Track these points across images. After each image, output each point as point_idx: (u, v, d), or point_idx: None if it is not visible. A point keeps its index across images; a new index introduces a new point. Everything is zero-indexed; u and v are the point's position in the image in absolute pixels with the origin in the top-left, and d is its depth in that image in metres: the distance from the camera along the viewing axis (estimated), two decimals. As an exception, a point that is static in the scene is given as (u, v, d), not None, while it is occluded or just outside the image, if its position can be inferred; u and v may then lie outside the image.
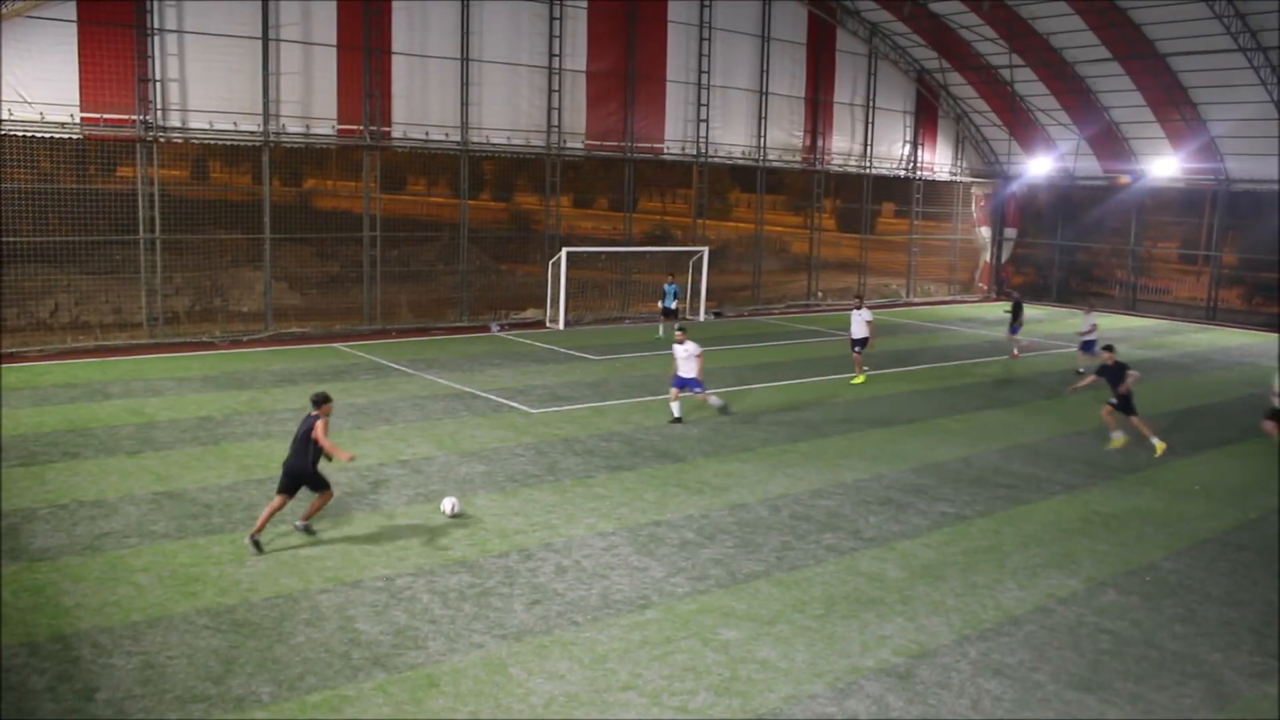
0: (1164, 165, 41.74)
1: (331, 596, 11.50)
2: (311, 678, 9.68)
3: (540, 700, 9.48)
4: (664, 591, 12.07)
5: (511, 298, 34.55)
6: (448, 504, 14.75)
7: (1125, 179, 43.90)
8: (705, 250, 36.01)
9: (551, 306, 33.04)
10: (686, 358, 20.23)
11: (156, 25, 26.06)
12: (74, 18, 24.95)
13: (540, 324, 33.12)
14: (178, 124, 26.89)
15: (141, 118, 26.10)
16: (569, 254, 32.38)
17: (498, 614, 11.25)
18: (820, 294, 42.59)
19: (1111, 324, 40.16)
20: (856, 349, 25.35)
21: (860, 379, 25.39)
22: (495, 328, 32.20)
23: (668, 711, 9.40)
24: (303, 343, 28.15)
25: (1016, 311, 30.27)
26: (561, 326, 32.52)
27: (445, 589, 11.85)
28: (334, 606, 11.24)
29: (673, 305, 31.29)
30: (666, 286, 31.55)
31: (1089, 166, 44.78)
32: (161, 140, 26.65)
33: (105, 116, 25.69)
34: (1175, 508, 16.25)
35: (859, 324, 25.25)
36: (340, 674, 9.78)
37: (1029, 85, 42.31)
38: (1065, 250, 47.12)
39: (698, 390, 20.38)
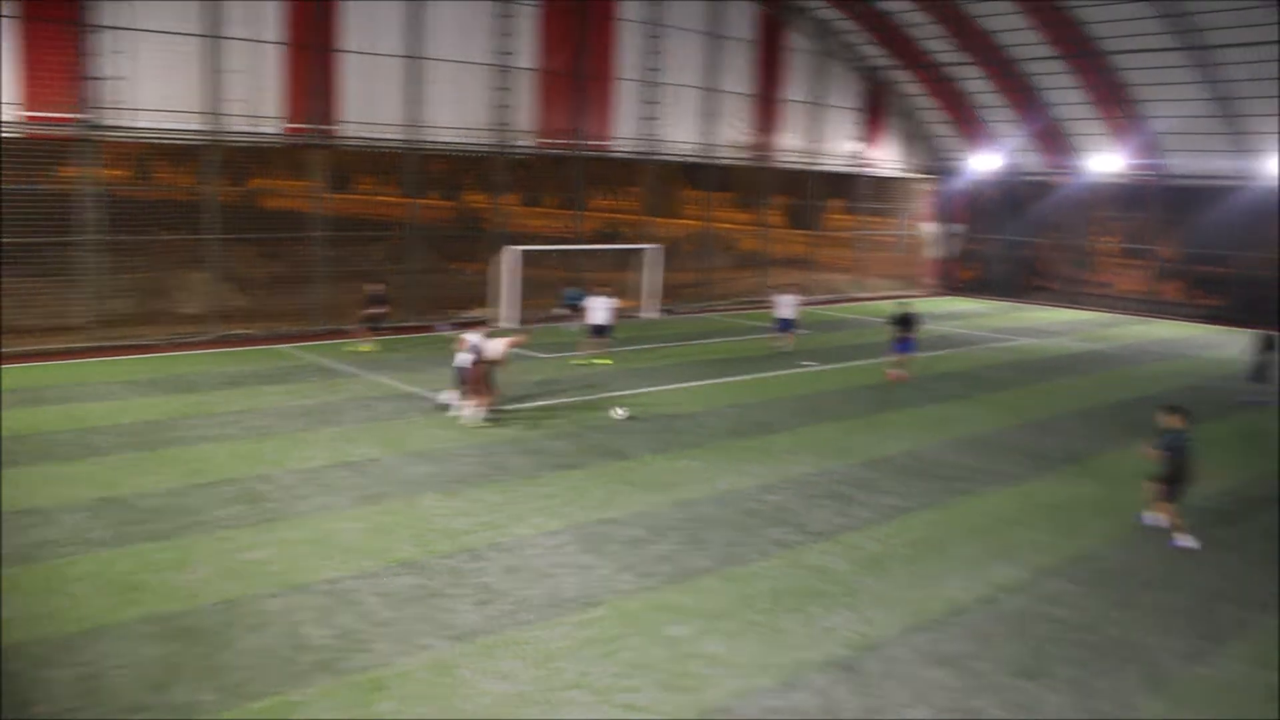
0: (1106, 161, 42.42)
1: (276, 601, 11.40)
2: (256, 684, 9.59)
3: (489, 700, 9.47)
4: (612, 589, 12.10)
5: (460, 297, 34.37)
6: (620, 411, 20.20)
7: (1063, 179, 44.66)
8: (655, 248, 36.05)
9: (500, 305, 32.92)
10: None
11: (100, 22, 25.64)
12: (16, 14, 24.45)
13: (489, 323, 32.99)
14: (121, 123, 26.49)
15: (84, 116, 25.68)
16: (518, 253, 32.27)
17: (445, 615, 11.22)
18: (769, 290, 42.74)
19: (1055, 317, 40.83)
20: (595, 335, 26.39)
21: (608, 360, 26.50)
22: (444, 327, 32.04)
23: (616, 709, 9.43)
24: (249, 344, 27.82)
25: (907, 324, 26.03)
26: (511, 325, 32.41)
27: (392, 591, 11.79)
28: (279, 611, 11.14)
29: (577, 304, 31.50)
30: (569, 291, 31.83)
31: (1034, 162, 45.39)
32: (104, 139, 26.24)
33: (47, 115, 25.23)
34: (1114, 496, 16.54)
35: (601, 311, 26.27)
36: (286, 679, 9.70)
37: (975, 83, 42.78)
38: (1010, 245, 47.72)
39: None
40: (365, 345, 27.22)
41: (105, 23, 25.76)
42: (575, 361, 26.42)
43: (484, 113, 33.13)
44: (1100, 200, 44.73)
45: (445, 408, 20.20)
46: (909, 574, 12.93)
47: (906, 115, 47.16)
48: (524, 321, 32.28)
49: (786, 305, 29.37)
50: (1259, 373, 24.31)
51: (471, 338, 20.26)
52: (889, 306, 42.06)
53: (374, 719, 9.11)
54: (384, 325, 27.29)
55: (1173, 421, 14.67)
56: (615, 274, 36.52)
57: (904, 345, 25.57)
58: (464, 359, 19.76)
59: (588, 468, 17.10)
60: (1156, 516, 15.04)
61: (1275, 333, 24.80)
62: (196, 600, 11.33)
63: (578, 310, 31.13)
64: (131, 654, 10.07)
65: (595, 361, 26.46)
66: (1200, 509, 16.13)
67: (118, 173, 27.84)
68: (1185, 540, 14.47)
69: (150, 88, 26.75)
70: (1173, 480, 14.57)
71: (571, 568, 12.71)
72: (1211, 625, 11.75)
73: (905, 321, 25.51)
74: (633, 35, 36.56)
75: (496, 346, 19.93)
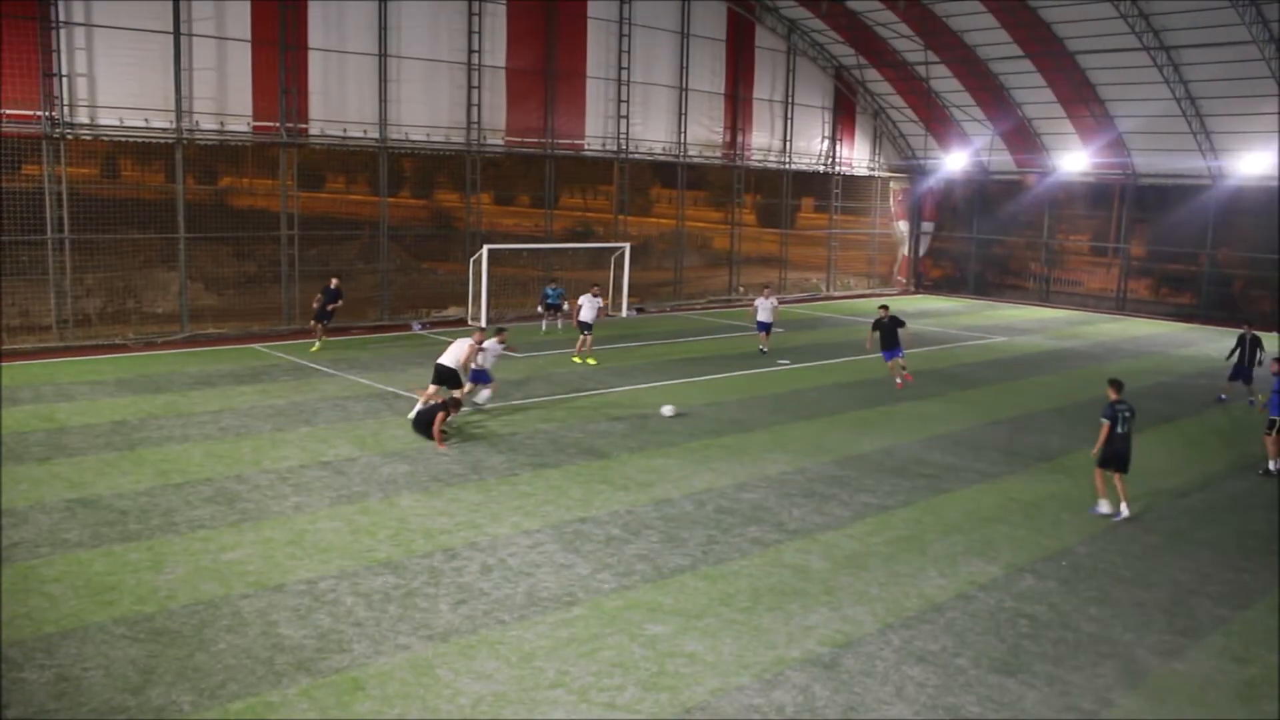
0: (1074, 160, 42.82)
1: (253, 601, 11.31)
2: (234, 685, 9.51)
3: (468, 700, 9.43)
4: (590, 588, 12.08)
5: (433, 296, 34.26)
6: (667, 409, 20.44)
7: (1032, 178, 45.04)
8: (627, 246, 36.06)
9: (473, 304, 32.84)
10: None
11: (62, 18, 25.34)
12: (-23, 12, 24.17)
13: (463, 322, 32.88)
14: (86, 120, 26.19)
15: (47, 114, 25.37)
16: (490, 251, 32.21)
17: (423, 614, 11.16)
18: (741, 289, 42.89)
19: (1027, 315, 41.13)
20: (585, 332, 26.74)
21: (592, 361, 26.60)
22: (417, 326, 31.93)
23: (596, 708, 9.41)
24: (220, 344, 27.62)
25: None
26: (484, 324, 32.31)
27: (369, 591, 11.72)
28: (256, 612, 11.05)
29: (556, 303, 31.97)
30: (549, 289, 32.17)
31: (1003, 161, 45.72)
32: (69, 138, 25.94)
33: (8, 113, 24.90)
34: (1089, 493, 16.62)
35: (590, 308, 26.78)
36: (264, 680, 9.62)
37: (944, 82, 43.05)
38: (981, 244, 48.05)
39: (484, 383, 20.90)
40: (319, 344, 27.08)
41: (67, 19, 25.49)
42: (590, 361, 26.47)
43: (454, 111, 33.03)
44: (1069, 198, 45.13)
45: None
46: (887, 572, 12.98)
47: (876, 114, 47.39)
48: (493, 321, 32.25)
49: (765, 308, 28.84)
50: (1244, 371, 24.38)
51: (491, 343, 20.56)
52: (863, 305, 42.42)
53: (352, 719, 9.05)
54: (329, 323, 27.07)
55: (1110, 393, 15.77)
56: (588, 273, 36.53)
57: (893, 352, 24.42)
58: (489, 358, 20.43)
59: (565, 467, 17.08)
60: (1111, 505, 15.68)
61: (1254, 331, 24.85)
62: (173, 601, 11.23)
63: (556, 309, 31.38)
64: (108, 655, 9.96)
65: (575, 359, 26.56)
66: (1170, 505, 16.32)
67: (85, 171, 27.51)
68: (1103, 507, 15.61)
69: (115, 85, 26.50)
70: (1105, 448, 15.52)
71: (550, 567, 12.68)
72: (1188, 621, 11.86)
73: (893, 327, 24.30)
74: (602, 34, 36.56)
75: (460, 350, 19.82)
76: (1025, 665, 10.57)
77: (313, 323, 26.96)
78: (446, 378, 19.70)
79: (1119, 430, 15.45)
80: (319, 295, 26.67)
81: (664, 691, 9.73)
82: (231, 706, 9.14)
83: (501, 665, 10.10)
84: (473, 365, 20.29)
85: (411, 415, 19.15)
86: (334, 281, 26.77)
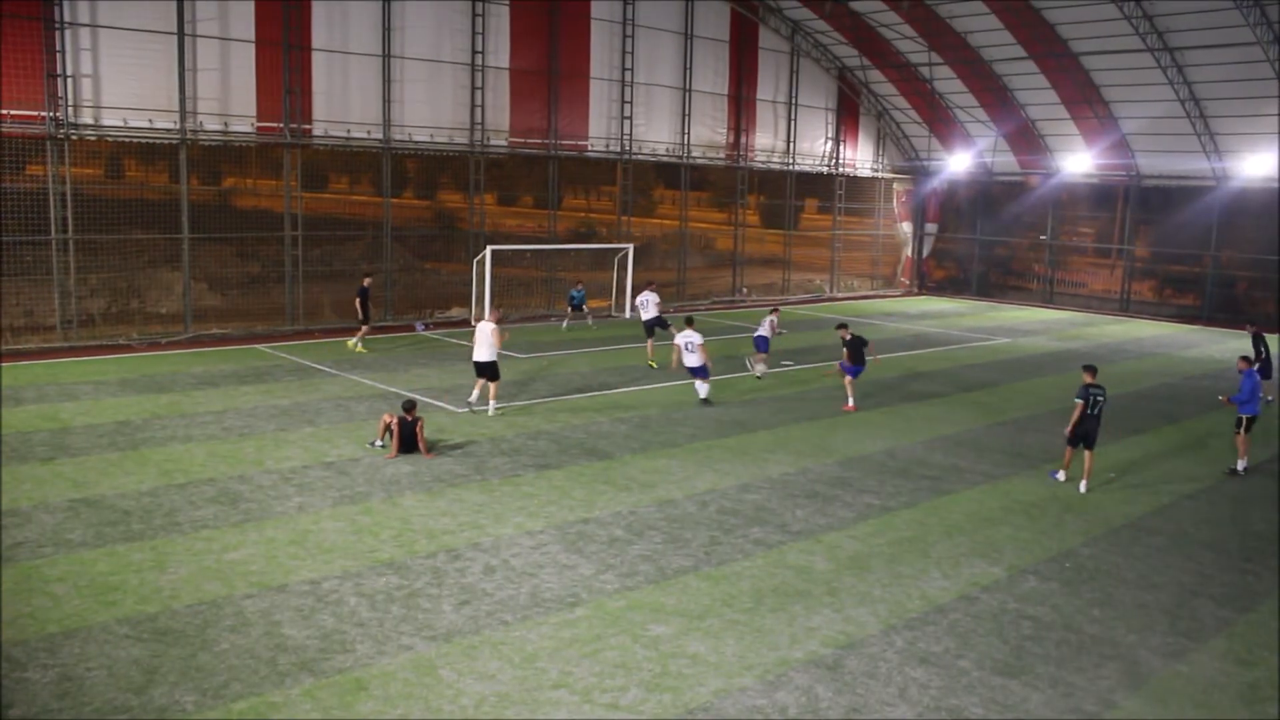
0: (1078, 161, 42.79)
1: (256, 602, 11.32)
2: (237, 685, 9.52)
3: (471, 701, 9.43)
4: (593, 589, 12.08)
5: (436, 296, 34.28)
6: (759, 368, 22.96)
7: (1035, 180, 45.01)
8: (630, 247, 36.06)
9: (476, 305, 32.84)
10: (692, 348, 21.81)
11: (67, 19, 25.37)
12: (-19, 12, 24.20)
13: (465, 323, 32.88)
14: (90, 121, 26.22)
15: (51, 114, 25.40)
16: (494, 252, 32.21)
17: (426, 615, 11.17)
18: (745, 290, 42.90)
19: (1030, 316, 41.09)
20: (649, 333, 27.16)
21: (653, 363, 26.72)
22: (420, 327, 31.93)
23: (599, 709, 9.41)
24: (223, 344, 27.64)
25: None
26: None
27: (372, 591, 11.73)
28: (259, 612, 11.06)
29: (580, 304, 32.88)
30: (574, 291, 32.99)
31: (1006, 162, 45.68)
32: (73, 138, 25.97)
33: (12, 113, 24.94)
34: (1092, 495, 16.65)
35: (650, 307, 27.36)
36: (266, 680, 9.63)
37: (948, 83, 43.02)
38: (984, 245, 48.01)
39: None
40: (360, 344, 27.29)
41: (71, 20, 25.52)
42: (651, 363, 26.59)
43: (457, 112, 33.06)
44: (1072, 200, 45.09)
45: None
46: (890, 573, 12.98)
47: (880, 115, 47.37)
48: (501, 321, 32.23)
49: (764, 325, 26.42)
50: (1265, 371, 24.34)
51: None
52: (867, 306, 42.41)
53: (355, 719, 9.08)
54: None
55: (1085, 377, 16.85)
56: (591, 273, 36.53)
57: (856, 369, 22.26)
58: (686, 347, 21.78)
59: (568, 468, 17.08)
60: (1066, 474, 17.14)
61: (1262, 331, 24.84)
62: (176, 601, 11.24)
63: (581, 310, 31.82)
64: (111, 655, 9.98)
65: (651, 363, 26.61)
66: (1174, 507, 16.30)
67: (89, 171, 27.55)
68: (1061, 475, 17.23)
69: (119, 86, 26.54)
70: (1076, 426, 16.73)
71: (553, 568, 12.68)
72: (1191, 623, 11.85)
73: (858, 345, 22.25)
74: (605, 35, 36.57)
75: (487, 337, 20.42)
76: (1028, 667, 10.56)
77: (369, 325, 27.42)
78: (486, 370, 20.42)
79: (1090, 412, 16.58)
80: (358, 298, 27.02)
81: (667, 692, 9.73)
82: (234, 706, 9.15)
83: (504, 666, 10.11)
84: (686, 363, 21.85)
85: (472, 399, 20.76)
86: (366, 280, 27.28)
